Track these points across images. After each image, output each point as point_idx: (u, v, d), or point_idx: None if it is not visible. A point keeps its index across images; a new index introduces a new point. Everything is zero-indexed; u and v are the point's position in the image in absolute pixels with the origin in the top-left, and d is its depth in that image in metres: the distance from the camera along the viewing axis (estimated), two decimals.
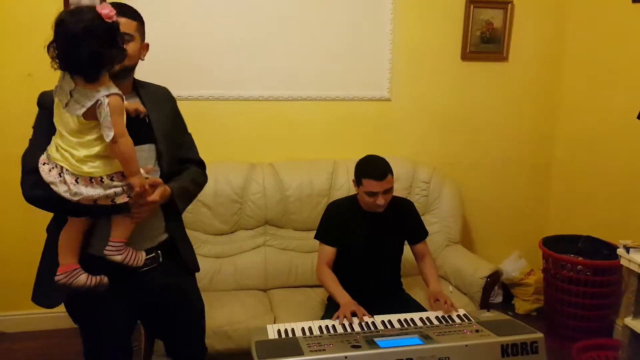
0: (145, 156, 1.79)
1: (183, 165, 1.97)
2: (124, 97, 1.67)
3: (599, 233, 3.26)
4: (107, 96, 1.54)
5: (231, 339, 2.49)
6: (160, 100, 1.91)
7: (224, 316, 2.59)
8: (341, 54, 3.31)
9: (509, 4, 3.43)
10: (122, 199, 1.63)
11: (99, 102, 1.53)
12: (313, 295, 2.87)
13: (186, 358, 2.10)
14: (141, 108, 1.77)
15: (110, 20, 1.52)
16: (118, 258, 1.71)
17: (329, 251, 2.52)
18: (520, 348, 1.92)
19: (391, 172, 2.41)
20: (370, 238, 2.52)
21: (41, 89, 2.98)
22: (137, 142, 1.71)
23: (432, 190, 3.29)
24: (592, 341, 2.93)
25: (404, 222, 2.58)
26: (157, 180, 1.74)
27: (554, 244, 3.27)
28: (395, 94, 3.42)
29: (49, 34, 3.04)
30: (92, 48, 1.50)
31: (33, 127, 1.86)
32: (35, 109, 3.10)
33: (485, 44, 3.47)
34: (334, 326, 2.06)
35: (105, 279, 1.73)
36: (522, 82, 3.60)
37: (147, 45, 1.85)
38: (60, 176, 1.59)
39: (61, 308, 3.26)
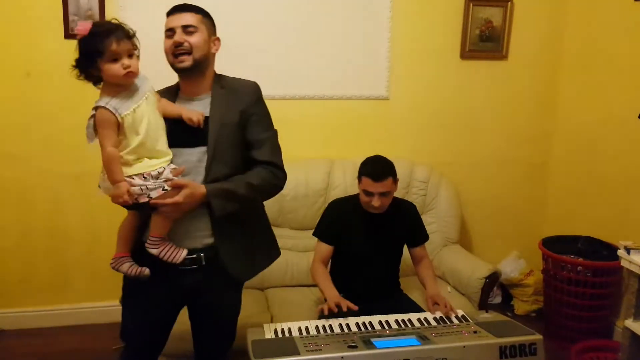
0: (199, 158, 1.83)
1: (253, 165, 1.92)
2: (198, 98, 1.88)
3: (599, 233, 3.25)
4: (95, 109, 1.68)
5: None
6: (233, 98, 1.89)
7: None
8: (339, 53, 3.29)
9: (509, 2, 3.42)
10: (142, 199, 1.70)
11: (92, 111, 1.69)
12: (310, 295, 2.85)
13: (208, 353, 2.11)
14: (196, 118, 1.80)
15: (79, 36, 1.65)
16: (153, 251, 1.78)
17: (326, 249, 2.51)
18: (519, 349, 1.90)
19: (393, 176, 2.39)
20: (369, 238, 2.50)
21: (40, 89, 3.02)
22: (195, 144, 1.82)
23: (429, 189, 3.27)
24: (591, 342, 2.92)
25: (405, 224, 2.57)
26: (181, 182, 1.74)
27: (554, 245, 3.25)
28: (393, 93, 3.41)
29: (47, 34, 3.05)
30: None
31: None
32: (34, 107, 3.11)
33: (485, 42, 3.45)
34: (330, 326, 2.04)
35: (147, 271, 1.82)
36: (521, 81, 3.59)
37: (218, 39, 1.96)
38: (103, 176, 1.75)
39: (57, 305, 3.28)
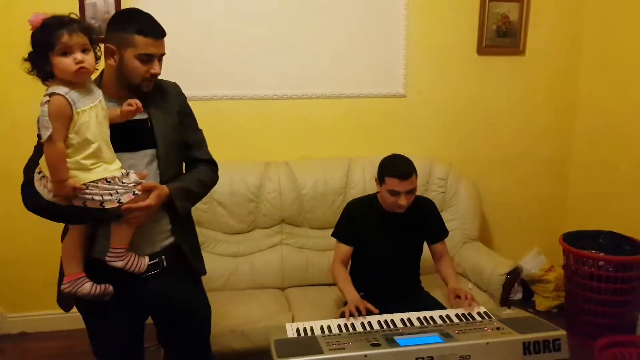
0: (148, 161, 1.80)
1: (193, 164, 1.96)
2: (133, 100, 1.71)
3: (620, 228, 3.21)
4: (49, 96, 1.53)
5: (249, 338, 2.48)
6: (167, 100, 1.87)
7: (241, 315, 2.58)
8: (355, 51, 3.29)
9: None
10: (111, 204, 1.61)
11: (41, 101, 1.54)
12: (330, 294, 2.85)
13: None
14: (135, 107, 1.71)
15: (31, 29, 1.56)
16: (119, 264, 1.71)
17: (345, 250, 2.51)
18: (543, 345, 1.89)
19: (415, 173, 2.39)
20: (389, 237, 2.49)
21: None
22: (139, 147, 1.76)
23: (449, 187, 3.26)
24: (614, 338, 2.87)
25: (424, 221, 2.56)
26: (151, 184, 1.72)
27: (574, 240, 3.22)
28: (410, 90, 3.40)
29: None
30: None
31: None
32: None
33: (502, 37, 3.42)
34: (353, 325, 2.04)
35: (110, 288, 1.74)
36: (539, 76, 3.56)
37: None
38: (43, 181, 1.61)
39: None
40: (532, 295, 3.65)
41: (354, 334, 1.94)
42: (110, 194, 1.60)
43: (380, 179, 2.42)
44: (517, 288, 3.66)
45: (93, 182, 1.58)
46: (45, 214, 1.71)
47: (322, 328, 2.00)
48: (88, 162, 1.58)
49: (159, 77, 1.84)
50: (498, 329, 1.97)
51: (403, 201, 2.34)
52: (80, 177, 1.57)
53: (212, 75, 3.15)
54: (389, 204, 2.41)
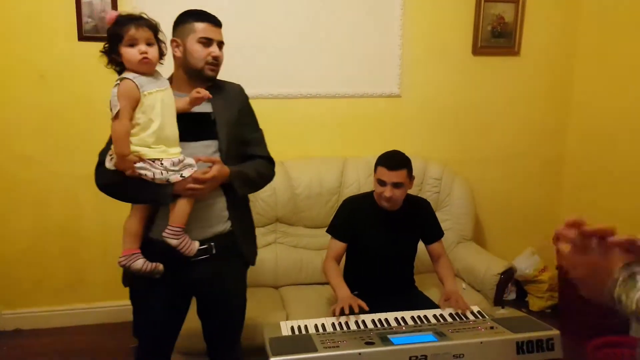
0: (211, 152, 1.91)
1: (251, 160, 2.05)
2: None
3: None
4: (120, 80, 1.72)
5: (243, 336, 2.46)
6: (231, 99, 2.01)
7: None
8: (351, 51, 3.29)
9: None
10: (160, 181, 1.75)
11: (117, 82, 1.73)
12: (325, 293, 2.85)
13: (220, 346, 2.16)
14: (203, 94, 1.84)
15: (108, 24, 1.76)
16: (174, 242, 1.81)
17: (339, 246, 2.51)
18: (536, 345, 1.90)
19: (409, 170, 2.40)
20: (384, 236, 2.50)
21: (54, 90, 3.04)
22: (201, 137, 1.90)
23: (443, 187, 3.27)
24: (608, 338, 2.88)
25: (420, 221, 2.56)
26: (215, 159, 1.84)
27: None
28: (405, 90, 3.40)
29: (61, 36, 3.08)
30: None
31: None
32: (48, 109, 3.14)
33: (497, 38, 3.44)
34: (347, 323, 2.04)
35: (161, 267, 1.85)
36: (534, 77, 3.57)
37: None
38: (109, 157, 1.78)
39: (73, 305, 3.31)
40: (526, 295, 3.66)
41: (348, 332, 1.95)
42: (161, 173, 1.73)
43: (374, 169, 2.45)
44: (510, 288, 3.67)
45: (150, 159, 1.72)
46: (111, 191, 1.87)
47: (316, 326, 2.01)
48: (150, 139, 1.73)
49: (224, 79, 2.05)
50: (492, 328, 1.98)
51: (388, 192, 2.35)
52: (141, 152, 1.72)
53: None
54: (377, 195, 2.44)
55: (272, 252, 3.03)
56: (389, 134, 3.42)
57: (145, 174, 1.73)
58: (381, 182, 2.38)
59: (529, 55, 3.52)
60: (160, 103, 1.74)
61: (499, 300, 2.78)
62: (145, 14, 1.79)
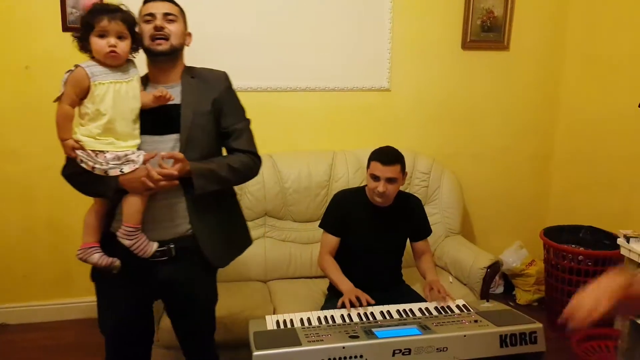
0: (171, 146, 1.84)
1: (231, 154, 1.98)
2: (169, 86, 1.87)
3: (600, 223, 3.25)
4: (75, 67, 1.72)
5: (230, 330, 2.48)
6: (205, 88, 1.92)
7: (223, 307, 2.55)
8: (340, 44, 3.28)
9: None
10: (130, 169, 1.73)
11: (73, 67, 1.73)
12: (313, 287, 2.86)
13: (192, 354, 2.12)
14: (163, 94, 1.80)
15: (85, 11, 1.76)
16: (127, 243, 1.78)
17: (333, 240, 2.51)
18: (519, 338, 1.91)
19: (402, 164, 2.40)
20: (373, 231, 2.51)
21: (39, 82, 3.02)
22: (164, 131, 1.84)
23: (432, 180, 3.27)
24: (592, 331, 2.92)
25: (409, 218, 2.57)
26: (177, 155, 1.77)
27: (555, 235, 3.25)
28: (395, 84, 3.40)
29: (45, 27, 3.05)
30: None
31: None
32: (33, 101, 3.11)
33: (486, 32, 3.44)
34: (332, 317, 2.05)
35: (117, 262, 1.82)
36: (523, 72, 3.58)
37: (190, 34, 1.98)
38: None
39: (60, 299, 3.30)
40: (513, 289, 3.68)
41: (332, 326, 1.95)
42: (101, 165, 1.71)
43: (367, 165, 2.45)
44: (498, 282, 3.70)
45: (93, 150, 1.70)
46: (71, 182, 1.87)
47: (301, 320, 2.01)
48: (96, 131, 1.70)
49: (208, 68, 2.00)
50: (476, 321, 1.99)
51: (381, 188, 2.34)
52: (85, 143, 1.70)
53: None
54: (369, 190, 2.44)
55: (261, 246, 3.03)
56: (379, 128, 3.42)
57: (86, 163, 1.71)
58: (375, 177, 2.38)
59: (518, 50, 3.52)
60: (113, 94, 1.71)
61: (485, 294, 2.79)
62: (125, 6, 1.76)
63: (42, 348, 3.01)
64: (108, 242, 1.84)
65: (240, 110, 2.04)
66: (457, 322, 1.98)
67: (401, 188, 2.52)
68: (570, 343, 2.83)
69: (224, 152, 2.03)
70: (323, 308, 2.39)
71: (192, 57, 3.06)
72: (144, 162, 1.75)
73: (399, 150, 2.46)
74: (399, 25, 3.33)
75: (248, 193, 3.01)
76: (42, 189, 3.14)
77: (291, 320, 2.01)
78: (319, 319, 2.03)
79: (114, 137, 1.72)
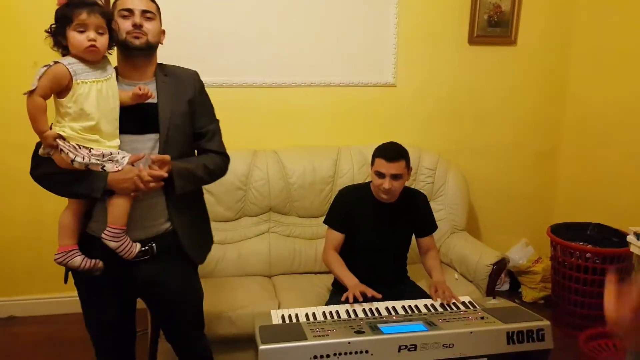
0: (151, 145, 1.81)
1: (203, 154, 1.97)
2: (143, 83, 1.81)
3: (608, 220, 3.22)
4: (53, 62, 1.64)
5: (235, 324, 2.47)
6: (180, 87, 1.90)
7: (228, 302, 2.58)
8: (346, 39, 3.26)
9: None
10: (112, 168, 1.68)
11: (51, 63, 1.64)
12: (317, 282, 2.86)
13: (183, 351, 2.11)
14: (144, 92, 1.75)
15: (58, 5, 1.69)
16: (112, 245, 1.73)
17: (337, 237, 2.50)
18: (526, 335, 1.90)
19: (407, 161, 2.39)
20: (378, 227, 2.49)
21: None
22: (145, 130, 1.80)
23: (437, 177, 3.25)
24: (600, 329, 2.89)
25: (415, 214, 2.55)
26: (165, 158, 1.74)
27: (562, 232, 3.23)
28: (400, 80, 3.38)
29: (52, 22, 3.03)
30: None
31: None
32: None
33: (493, 27, 3.41)
34: (337, 312, 2.04)
35: (100, 264, 1.78)
36: (530, 67, 3.55)
37: (164, 31, 1.93)
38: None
39: (67, 292, 3.30)
40: (519, 286, 3.66)
41: (338, 322, 1.95)
42: (83, 158, 1.63)
43: (371, 162, 2.43)
44: (504, 279, 3.68)
45: (77, 144, 1.64)
46: (43, 183, 1.79)
47: (307, 315, 2.01)
48: (81, 129, 1.64)
49: (176, 65, 1.97)
50: (482, 318, 1.98)
51: (387, 184, 2.33)
52: (70, 137, 1.63)
53: (200, 62, 3.06)
54: (375, 188, 2.42)
55: (265, 241, 3.02)
56: (384, 124, 3.40)
57: (68, 154, 1.62)
58: (380, 174, 2.36)
59: (525, 44, 3.49)
60: (97, 94, 1.65)
61: (491, 291, 2.77)
62: (102, 1, 1.71)
63: (48, 341, 3.02)
64: (84, 243, 1.79)
65: (212, 111, 2.03)
66: (463, 319, 1.97)
67: (406, 184, 2.51)
68: (578, 341, 2.81)
69: None
70: (328, 304, 2.38)
71: (195, 53, 3.07)
72: (132, 164, 1.71)
73: (404, 145, 2.44)
74: (404, 20, 3.30)
75: (253, 189, 3.01)
76: None
77: (296, 315, 2.01)
78: (324, 314, 2.03)
79: (99, 136, 1.68)
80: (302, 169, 3.07)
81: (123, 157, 1.70)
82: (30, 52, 2.98)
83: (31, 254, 3.23)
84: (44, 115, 1.63)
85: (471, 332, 1.87)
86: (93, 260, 1.77)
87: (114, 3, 1.83)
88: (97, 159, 1.66)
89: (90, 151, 1.65)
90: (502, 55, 3.49)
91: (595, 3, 3.38)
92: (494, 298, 2.23)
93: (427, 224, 2.60)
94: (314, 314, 2.02)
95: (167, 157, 1.76)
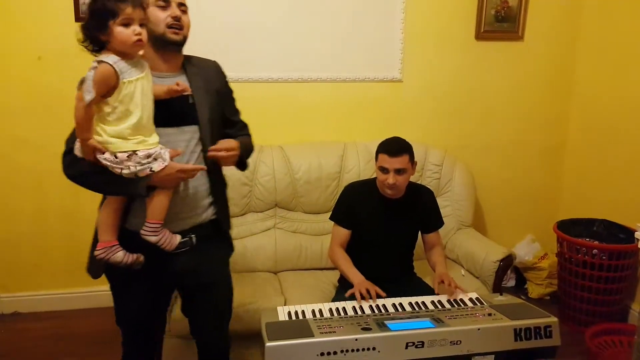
0: (188, 138, 1.81)
1: None
2: (173, 75, 1.81)
3: (615, 216, 3.21)
4: (97, 62, 1.57)
5: (241, 320, 2.47)
6: (208, 78, 1.91)
7: (234, 298, 2.55)
8: (353, 35, 3.25)
9: None
10: (159, 167, 1.66)
11: (90, 66, 1.59)
12: (323, 278, 2.85)
13: (207, 342, 2.12)
14: (182, 87, 1.76)
15: None
16: (153, 239, 1.74)
17: (344, 233, 2.50)
18: (534, 332, 1.89)
19: (410, 155, 2.37)
20: (385, 223, 2.48)
21: (51, 73, 3.02)
22: (181, 123, 1.80)
23: (444, 173, 3.24)
24: (606, 325, 2.89)
25: (421, 209, 2.54)
26: (232, 144, 1.83)
27: (569, 228, 3.22)
28: (407, 75, 3.37)
29: (58, 18, 3.05)
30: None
31: None
32: (46, 91, 3.11)
33: (500, 22, 3.39)
34: (344, 308, 2.03)
35: (141, 258, 1.78)
36: (537, 62, 3.53)
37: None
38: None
39: (72, 288, 3.31)
40: (525, 282, 3.65)
41: (344, 318, 1.93)
42: (129, 169, 1.63)
43: (375, 158, 2.42)
44: (510, 275, 3.67)
45: (124, 152, 1.62)
46: (80, 181, 1.75)
47: (313, 311, 2.00)
48: (128, 132, 1.62)
49: (200, 56, 1.95)
50: (490, 315, 1.96)
51: (391, 179, 2.32)
52: (116, 145, 1.61)
53: (207, 57, 3.11)
54: (380, 183, 2.41)
55: (271, 237, 3.02)
56: (390, 119, 3.39)
57: (113, 169, 1.62)
58: (383, 170, 2.35)
59: (532, 40, 3.47)
60: (140, 92, 1.63)
61: (498, 287, 2.77)
62: None
63: (53, 337, 3.03)
64: (121, 238, 1.79)
65: (235, 100, 2.06)
66: (471, 316, 1.95)
67: (413, 180, 2.50)
68: (584, 337, 2.80)
69: None
70: (334, 300, 2.38)
71: (201, 49, 3.05)
72: (171, 159, 1.71)
73: (411, 141, 2.43)
74: (411, 15, 3.29)
75: (259, 184, 3.00)
76: (53, 177, 3.14)
77: (303, 312, 2.00)
78: (330, 310, 2.02)
79: (142, 135, 1.66)
80: (308, 164, 3.06)
81: (165, 153, 1.69)
82: (34, 48, 2.99)
83: (35, 250, 3.24)
84: (91, 122, 1.60)
85: (479, 329, 1.85)
86: (134, 255, 1.77)
87: None
88: (144, 164, 1.65)
89: (136, 154, 1.63)
90: (509, 50, 3.47)
91: None
92: (501, 294, 2.21)
93: (433, 220, 2.59)
94: (320, 311, 2.01)
95: (234, 142, 1.83)
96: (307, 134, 3.30)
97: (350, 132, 3.33)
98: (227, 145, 1.81)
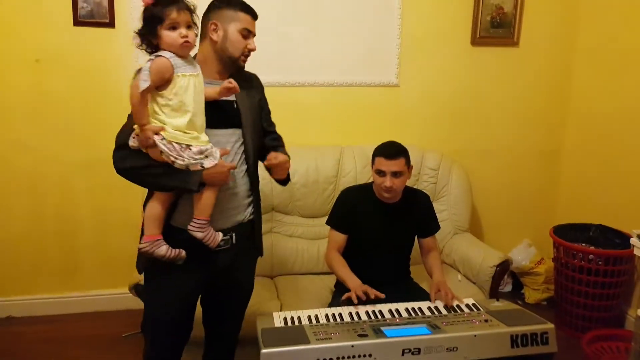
0: (234, 139, 1.91)
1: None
2: (218, 80, 1.88)
3: (611, 222, 3.21)
4: (155, 56, 1.69)
5: None
6: (251, 88, 2.01)
7: None
8: (349, 39, 3.25)
9: None
10: (210, 164, 1.74)
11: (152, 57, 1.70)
12: (319, 283, 2.84)
13: (222, 332, 2.20)
14: (234, 85, 1.82)
15: (144, 5, 1.71)
16: (199, 235, 1.79)
17: (340, 238, 2.49)
18: (531, 339, 1.88)
19: (407, 159, 2.38)
20: (381, 228, 2.48)
21: (49, 75, 3.02)
22: (225, 125, 1.89)
23: (440, 177, 3.24)
24: (603, 331, 2.90)
25: (417, 214, 2.54)
26: (284, 160, 1.93)
27: (565, 233, 3.22)
28: (403, 80, 3.37)
29: (56, 21, 3.04)
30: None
31: None
32: (43, 94, 3.11)
33: (496, 28, 3.40)
34: (340, 314, 2.03)
35: (183, 253, 1.82)
36: (532, 68, 3.54)
37: None
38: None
39: (66, 293, 3.29)
40: (522, 287, 3.65)
41: (341, 324, 1.93)
42: (183, 160, 1.70)
43: (372, 162, 2.43)
44: (506, 280, 3.67)
45: (179, 143, 1.69)
46: (132, 175, 1.79)
47: (309, 317, 1.99)
48: (183, 126, 1.70)
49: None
50: (486, 321, 1.96)
51: (388, 182, 2.32)
52: (174, 135, 1.69)
53: None
54: (376, 187, 2.42)
55: (268, 241, 3.00)
56: (387, 124, 3.39)
57: (167, 156, 1.68)
58: (380, 173, 2.36)
59: (528, 46, 3.48)
60: (193, 88, 1.72)
61: (494, 292, 2.76)
62: None
63: (47, 341, 3.01)
64: (165, 234, 1.83)
65: (270, 113, 2.15)
66: (467, 322, 1.95)
67: (409, 184, 2.49)
68: (580, 343, 2.80)
69: None
70: (330, 305, 2.38)
71: None
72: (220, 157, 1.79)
73: (407, 145, 2.43)
74: (408, 20, 3.29)
75: None
76: (50, 180, 3.14)
77: (299, 318, 1.99)
78: (327, 316, 2.01)
79: (196, 132, 1.74)
80: (305, 168, 3.06)
81: (216, 151, 1.77)
82: (32, 51, 2.98)
83: (30, 254, 3.22)
84: (147, 108, 1.68)
85: (475, 336, 1.85)
86: (177, 250, 1.81)
87: (225, 9, 1.90)
88: (196, 159, 1.72)
89: (190, 149, 1.70)
90: (504, 56, 3.48)
91: (598, 4, 3.37)
92: (498, 300, 2.21)
93: (429, 224, 2.59)
94: (316, 317, 2.00)
95: (285, 158, 1.93)
96: (303, 138, 3.29)
97: (347, 136, 3.33)
98: (282, 158, 1.92)
